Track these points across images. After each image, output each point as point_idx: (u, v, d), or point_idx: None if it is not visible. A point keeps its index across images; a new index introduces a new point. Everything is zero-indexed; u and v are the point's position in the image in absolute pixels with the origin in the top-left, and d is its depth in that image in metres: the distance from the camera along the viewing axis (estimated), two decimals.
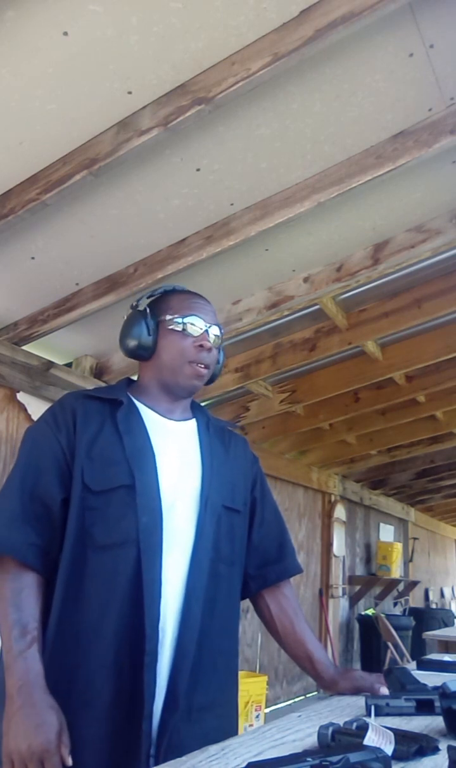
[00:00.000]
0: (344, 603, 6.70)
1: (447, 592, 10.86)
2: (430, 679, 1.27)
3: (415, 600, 8.98)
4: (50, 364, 3.04)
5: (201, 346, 1.32)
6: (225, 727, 1.20)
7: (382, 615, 6.06)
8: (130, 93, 1.74)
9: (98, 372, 3.37)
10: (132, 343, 1.34)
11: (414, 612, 7.76)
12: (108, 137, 1.83)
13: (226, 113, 1.86)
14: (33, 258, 2.44)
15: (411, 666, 1.59)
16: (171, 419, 1.36)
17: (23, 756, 1.01)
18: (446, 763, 0.81)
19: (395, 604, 8.06)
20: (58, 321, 2.71)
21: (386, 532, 8.07)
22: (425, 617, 7.49)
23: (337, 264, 2.78)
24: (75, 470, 1.22)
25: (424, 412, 5.03)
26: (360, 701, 1.18)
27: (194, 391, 1.37)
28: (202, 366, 1.34)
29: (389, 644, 5.69)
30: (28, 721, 1.02)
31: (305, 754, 0.79)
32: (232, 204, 2.27)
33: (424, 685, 1.19)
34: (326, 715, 1.12)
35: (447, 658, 1.72)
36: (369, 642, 6.50)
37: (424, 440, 5.88)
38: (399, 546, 7.51)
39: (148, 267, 2.48)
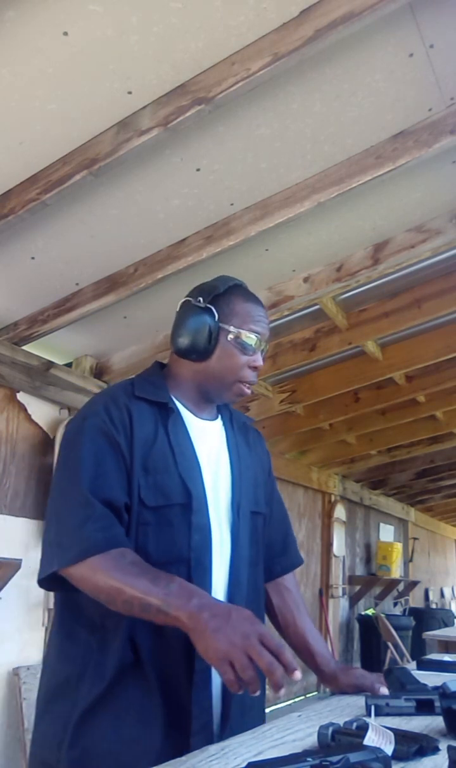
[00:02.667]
0: (344, 603, 6.70)
1: (447, 592, 10.86)
2: (430, 679, 1.27)
3: (415, 600, 8.98)
4: (50, 364, 3.04)
5: (255, 367, 1.29)
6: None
7: (382, 615, 6.05)
8: (130, 93, 1.74)
9: (98, 372, 3.37)
10: (186, 342, 1.27)
11: (414, 612, 7.76)
12: (108, 137, 1.83)
13: (226, 113, 1.86)
14: (33, 258, 2.44)
15: (411, 666, 1.59)
16: (204, 419, 1.33)
17: (240, 645, 0.91)
18: (446, 763, 0.81)
19: (395, 604, 8.06)
20: (58, 321, 2.71)
21: (386, 532, 8.07)
22: (425, 617, 7.49)
23: (337, 264, 2.78)
24: (133, 480, 1.16)
25: (424, 412, 5.04)
26: (360, 701, 1.18)
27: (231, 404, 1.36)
28: (249, 386, 1.31)
29: (389, 644, 5.68)
30: (227, 622, 0.94)
31: (305, 754, 0.79)
32: (232, 204, 2.27)
33: (424, 685, 1.19)
34: (326, 715, 1.12)
35: (447, 658, 1.72)
36: (369, 642, 6.50)
37: (424, 440, 5.88)
38: (399, 546, 7.51)
39: (148, 267, 2.48)
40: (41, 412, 3.07)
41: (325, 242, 2.64)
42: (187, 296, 1.33)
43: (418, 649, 6.19)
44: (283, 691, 0.89)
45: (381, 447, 5.87)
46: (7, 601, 2.74)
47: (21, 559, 2.63)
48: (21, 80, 1.68)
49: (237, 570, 1.22)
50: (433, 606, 9.63)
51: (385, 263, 2.69)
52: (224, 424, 1.37)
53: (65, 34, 1.57)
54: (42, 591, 2.89)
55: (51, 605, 2.87)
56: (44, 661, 1.25)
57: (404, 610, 8.00)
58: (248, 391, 1.31)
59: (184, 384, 1.32)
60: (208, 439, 1.30)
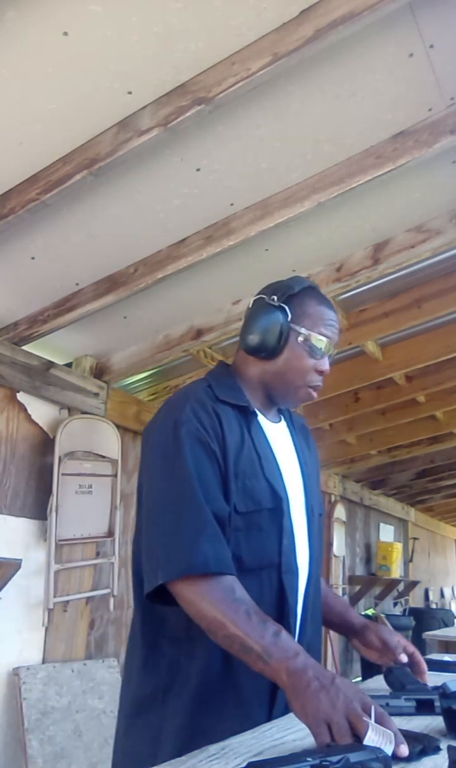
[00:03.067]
0: None
1: (447, 592, 10.85)
2: (430, 679, 1.27)
3: (415, 600, 8.97)
4: (50, 364, 3.04)
5: (322, 372, 1.29)
6: None
7: (382, 615, 6.05)
8: (130, 93, 1.74)
9: (98, 372, 3.37)
10: (256, 339, 1.26)
11: (414, 612, 7.75)
12: (108, 137, 1.83)
13: (226, 113, 1.86)
14: (33, 258, 2.43)
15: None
16: (273, 422, 1.33)
17: (341, 709, 0.87)
18: (446, 763, 0.81)
19: (395, 604, 8.05)
20: (58, 321, 2.71)
21: (386, 532, 8.06)
22: (425, 617, 7.49)
23: (337, 264, 2.78)
24: (228, 487, 1.15)
25: (424, 412, 5.03)
26: None
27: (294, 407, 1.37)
28: (315, 390, 1.31)
29: None
30: (332, 684, 0.91)
31: (305, 754, 0.79)
32: (232, 204, 2.27)
33: (424, 685, 1.19)
34: None
35: (447, 658, 1.72)
36: None
37: (424, 440, 5.88)
38: (399, 546, 7.51)
39: (148, 267, 2.48)
40: (41, 412, 3.07)
41: (325, 242, 2.64)
42: (260, 293, 1.32)
43: (418, 649, 6.18)
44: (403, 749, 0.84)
45: (381, 447, 5.87)
46: (7, 601, 2.74)
47: (21, 559, 2.63)
48: (21, 80, 1.68)
49: (314, 571, 1.26)
50: (433, 606, 9.63)
51: (385, 263, 2.69)
52: (288, 425, 1.39)
53: (65, 34, 1.57)
54: (42, 591, 2.89)
55: (51, 605, 2.87)
56: (127, 672, 1.24)
57: (404, 610, 7.99)
58: (315, 395, 1.31)
59: (252, 385, 1.31)
60: (281, 443, 1.31)
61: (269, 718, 1.10)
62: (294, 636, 1.16)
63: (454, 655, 1.93)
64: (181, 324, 3.11)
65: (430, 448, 6.03)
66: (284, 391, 1.30)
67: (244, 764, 0.78)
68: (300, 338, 1.27)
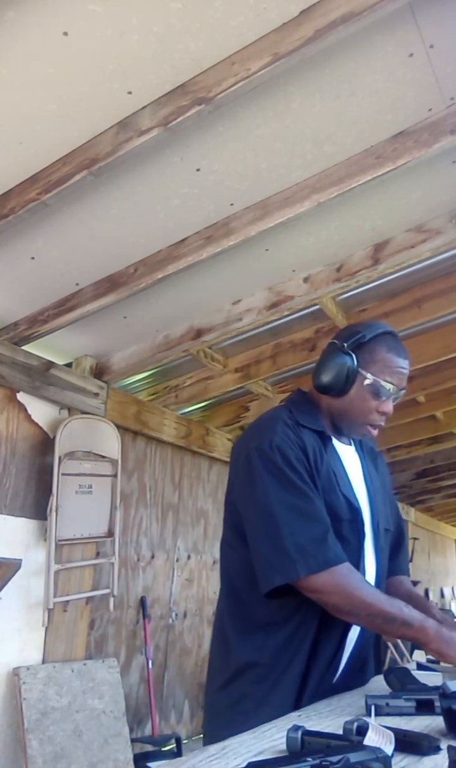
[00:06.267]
0: None
1: (447, 592, 10.85)
2: (430, 679, 1.27)
3: None
4: (50, 364, 3.04)
5: (384, 413, 1.42)
6: None
7: None
8: (130, 93, 1.74)
9: (98, 372, 3.37)
10: (324, 380, 1.43)
11: None
12: (108, 137, 1.83)
13: (226, 113, 1.86)
14: (33, 258, 2.43)
15: (411, 666, 1.59)
16: (344, 444, 1.49)
17: None
18: (446, 763, 0.81)
19: None
20: (58, 321, 2.71)
21: None
22: None
23: (337, 264, 2.78)
24: None
25: (424, 412, 5.03)
26: (360, 701, 1.18)
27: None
28: (376, 429, 1.45)
29: (389, 644, 5.68)
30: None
31: (305, 753, 0.79)
32: (232, 204, 2.27)
33: (424, 685, 1.19)
34: (326, 715, 1.12)
35: None
36: None
37: (424, 440, 5.87)
38: None
39: (148, 267, 2.48)
40: (41, 412, 3.07)
41: (325, 242, 2.64)
42: (335, 338, 1.47)
43: (418, 649, 6.18)
44: None
45: (381, 447, 5.85)
46: (7, 601, 2.74)
47: (21, 559, 2.63)
48: (21, 80, 1.68)
49: (380, 581, 1.43)
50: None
51: (385, 263, 2.69)
52: (356, 449, 1.54)
53: (65, 34, 1.57)
54: (42, 591, 2.89)
55: (51, 605, 2.87)
56: (212, 655, 1.47)
57: None
58: (374, 433, 1.46)
59: (323, 414, 1.48)
60: (351, 463, 1.47)
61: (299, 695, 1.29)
62: (357, 631, 1.36)
63: None
64: (181, 324, 3.11)
65: (430, 448, 6.03)
66: (347, 426, 1.46)
67: (244, 764, 0.78)
68: (366, 382, 1.41)
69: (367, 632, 1.39)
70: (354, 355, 1.41)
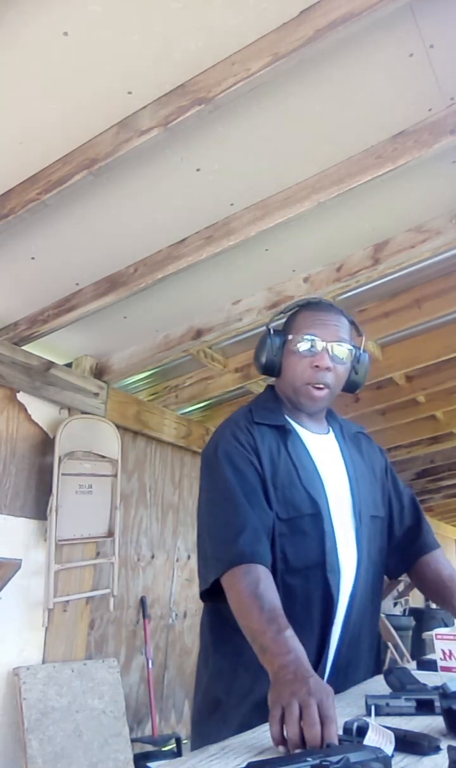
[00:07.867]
0: None
1: None
2: (430, 679, 1.26)
3: (415, 600, 8.96)
4: (50, 364, 3.04)
5: (317, 366, 1.37)
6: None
7: (382, 615, 6.05)
8: (130, 93, 1.74)
9: (98, 372, 3.37)
10: (259, 362, 1.44)
11: (414, 612, 7.76)
12: (108, 137, 1.83)
13: (226, 113, 1.86)
14: (33, 258, 2.43)
15: (411, 666, 1.59)
16: (317, 434, 1.45)
17: (298, 697, 0.92)
18: (446, 763, 0.81)
19: (395, 604, 8.05)
20: (58, 321, 2.71)
21: None
22: (425, 617, 7.49)
23: (337, 264, 2.78)
24: (268, 495, 1.30)
25: (424, 412, 5.03)
26: (360, 701, 1.18)
27: (318, 409, 1.44)
28: (319, 387, 1.38)
29: (389, 644, 5.68)
30: (304, 683, 0.96)
31: (305, 754, 0.79)
32: (232, 204, 2.27)
33: (424, 685, 1.19)
34: None
35: None
36: None
37: (424, 440, 5.87)
38: None
39: (148, 267, 2.48)
40: (41, 412, 3.07)
41: (325, 242, 2.64)
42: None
43: (418, 649, 6.19)
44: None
45: (381, 447, 5.86)
46: (7, 601, 2.74)
47: (21, 559, 2.63)
48: (21, 80, 1.68)
49: (362, 571, 1.35)
50: (433, 606, 9.62)
51: (385, 263, 2.69)
52: (336, 436, 1.49)
53: (65, 34, 1.57)
54: (42, 591, 2.90)
55: (51, 605, 2.87)
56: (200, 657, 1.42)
57: (404, 610, 7.99)
58: (317, 393, 1.39)
59: (284, 400, 1.45)
60: (325, 453, 1.42)
61: None
62: (339, 627, 1.30)
63: None
64: (181, 324, 3.11)
65: (430, 448, 6.02)
66: (294, 397, 1.42)
67: (244, 764, 0.78)
68: (289, 346, 1.40)
69: (352, 630, 1.34)
70: (271, 330, 1.43)
